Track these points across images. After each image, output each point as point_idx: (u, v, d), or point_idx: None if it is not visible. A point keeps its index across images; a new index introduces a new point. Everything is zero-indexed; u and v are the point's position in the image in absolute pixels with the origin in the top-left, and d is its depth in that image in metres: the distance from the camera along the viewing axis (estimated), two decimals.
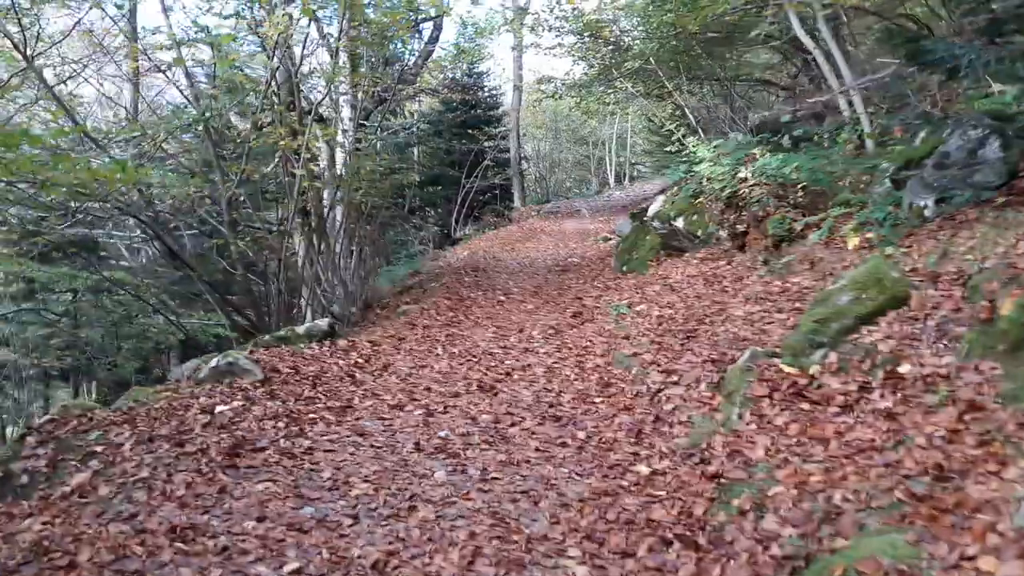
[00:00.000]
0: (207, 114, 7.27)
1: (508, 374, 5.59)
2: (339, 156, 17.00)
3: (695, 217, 8.67)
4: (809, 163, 7.35)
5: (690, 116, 13.77)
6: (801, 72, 14.43)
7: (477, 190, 22.08)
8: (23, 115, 10.26)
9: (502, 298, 8.80)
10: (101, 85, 13.70)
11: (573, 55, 16.78)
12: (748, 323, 5.40)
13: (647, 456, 3.99)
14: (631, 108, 20.32)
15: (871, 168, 7.29)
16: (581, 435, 4.39)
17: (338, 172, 16.01)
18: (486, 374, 5.62)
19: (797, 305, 5.40)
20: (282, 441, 4.27)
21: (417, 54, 20.01)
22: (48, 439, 4.43)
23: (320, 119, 16.02)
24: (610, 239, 14.64)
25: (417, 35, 19.57)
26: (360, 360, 5.86)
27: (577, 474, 3.86)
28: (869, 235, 6.08)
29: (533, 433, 4.46)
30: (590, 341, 6.40)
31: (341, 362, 5.71)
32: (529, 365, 5.81)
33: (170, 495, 3.60)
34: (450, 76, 23.53)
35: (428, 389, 5.28)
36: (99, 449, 4.20)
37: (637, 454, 4.04)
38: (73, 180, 5.25)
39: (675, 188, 9.19)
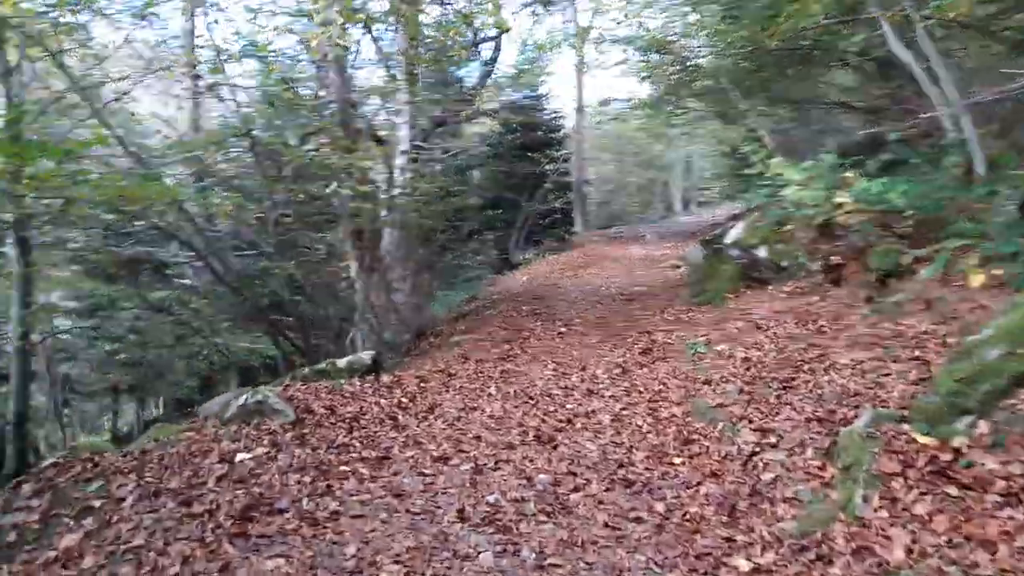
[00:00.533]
0: (250, 128, 6.82)
1: (569, 421, 4.84)
2: (396, 177, 16.65)
3: (779, 246, 7.79)
4: (916, 188, 6.44)
5: (766, 139, 12.86)
6: (888, 93, 13.40)
7: (537, 214, 21.47)
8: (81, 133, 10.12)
9: (563, 330, 8.07)
10: (164, 104, 13.65)
11: (639, 74, 16.08)
12: (857, 374, 4.53)
13: (745, 544, 3.18)
14: (700, 130, 19.43)
15: (987, 195, 6.34)
16: (659, 507, 3.61)
17: (394, 193, 15.64)
18: (544, 420, 4.89)
19: (917, 354, 4.51)
20: (305, 501, 3.62)
21: (476, 74, 19.66)
22: (46, 487, 3.89)
23: (377, 139, 15.72)
24: (679, 267, 13.77)
25: (476, 55, 19.25)
26: (404, 400, 5.20)
27: (657, 564, 3.09)
28: (997, 272, 5.16)
29: (600, 502, 3.69)
30: (663, 384, 5.60)
31: (383, 401, 5.06)
32: (594, 411, 5.05)
33: (162, 572, 2.98)
34: (510, 98, 23.10)
35: (478, 438, 4.57)
36: (97, 504, 3.63)
37: (732, 540, 3.24)
38: (98, 197, 4.79)
39: (756, 214, 8.34)
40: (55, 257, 11.00)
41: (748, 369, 5.27)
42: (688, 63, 12.97)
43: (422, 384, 5.66)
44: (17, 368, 8.49)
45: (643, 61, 14.91)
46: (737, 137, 13.14)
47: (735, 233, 8.32)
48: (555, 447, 4.35)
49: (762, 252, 7.91)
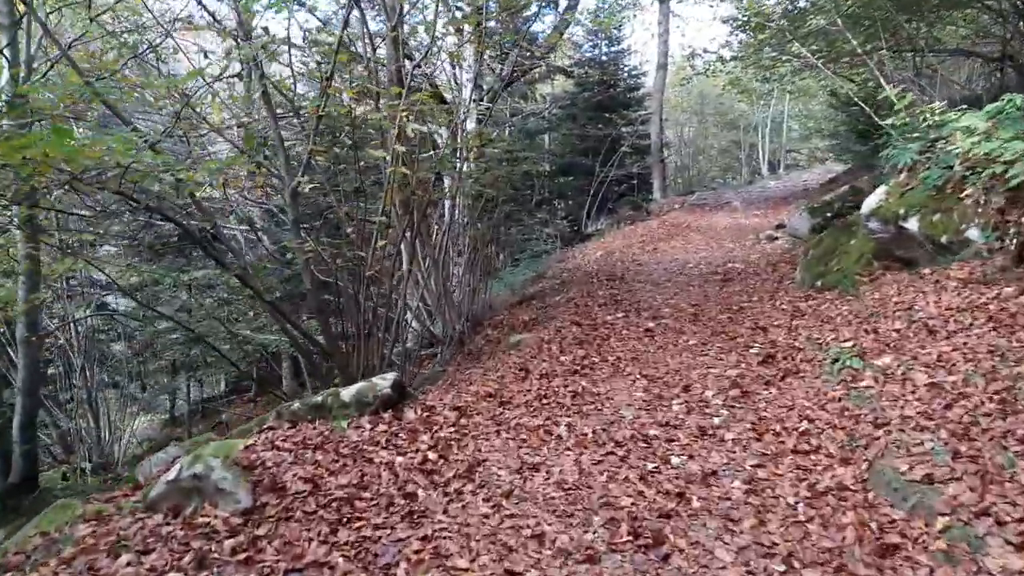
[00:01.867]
0: (251, 65, 5.24)
1: (680, 497, 3.09)
2: (459, 141, 15.01)
3: (937, 217, 5.76)
4: None
5: (887, 88, 10.52)
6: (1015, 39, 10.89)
7: (612, 180, 19.47)
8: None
9: (650, 324, 6.29)
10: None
11: (737, 19, 13.83)
12: None
13: None
14: (797, 83, 16.99)
15: None
16: None
17: (456, 159, 14.04)
18: (642, 494, 3.15)
19: None
20: None
21: (551, 26, 17.67)
22: None
23: (440, 99, 14.06)
24: (777, 238, 11.69)
25: (552, 4, 17.26)
26: (432, 455, 3.51)
27: None
28: None
29: None
30: (807, 420, 3.80)
31: (399, 460, 3.38)
32: (714, 472, 3.30)
33: None
34: (587, 55, 21.00)
35: (539, 538, 2.84)
36: None
37: None
38: (42, 155, 3.32)
39: (902, 176, 6.31)
40: (90, 236, 9.88)
41: (947, 407, 3.41)
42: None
43: (462, 420, 3.98)
44: (25, 362, 7.32)
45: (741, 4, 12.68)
46: (855, 87, 10.86)
47: (873, 201, 6.31)
48: (665, 557, 2.63)
49: (912, 224, 5.89)
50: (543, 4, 16.53)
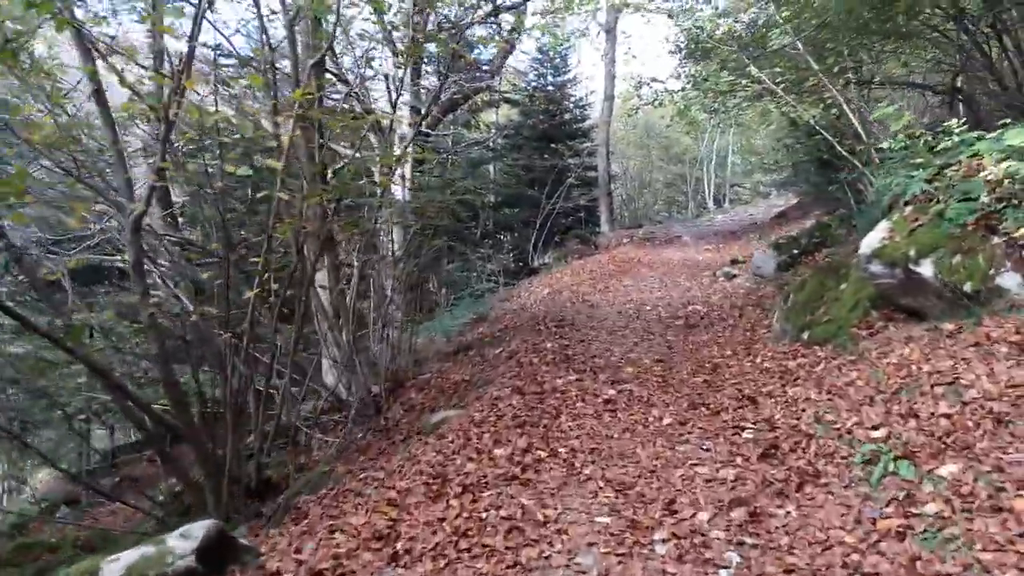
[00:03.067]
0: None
1: None
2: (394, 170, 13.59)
3: (958, 259, 4.55)
4: None
5: (851, 116, 9.54)
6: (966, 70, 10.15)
7: (559, 212, 18.27)
8: None
9: (610, 392, 4.87)
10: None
11: (683, 46, 12.84)
12: None
13: None
14: (747, 114, 16.14)
15: None
16: None
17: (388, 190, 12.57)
18: None
19: None
20: None
21: (495, 52, 16.47)
22: None
23: (375, 125, 12.66)
24: (735, 276, 10.54)
25: (495, 30, 16.08)
26: None
27: None
28: None
29: None
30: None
31: None
32: None
33: None
34: (532, 83, 19.88)
35: None
36: None
37: None
38: None
39: (906, 210, 5.13)
40: None
41: None
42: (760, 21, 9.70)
43: None
44: None
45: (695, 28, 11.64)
46: (816, 114, 9.82)
47: (874, 239, 5.09)
48: None
49: (926, 268, 4.67)
50: (487, 33, 15.36)
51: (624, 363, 5.83)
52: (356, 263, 7.03)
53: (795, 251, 8.70)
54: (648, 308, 8.65)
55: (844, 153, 9.58)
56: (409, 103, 13.16)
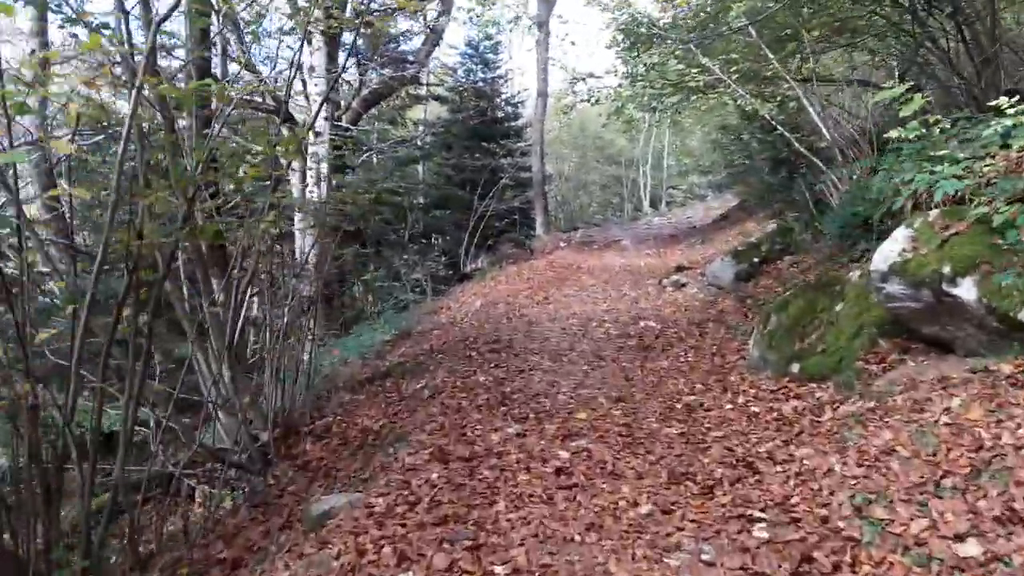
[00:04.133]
0: None
1: None
2: (308, 169, 12.06)
3: (1011, 281, 3.47)
4: None
5: (811, 111, 8.65)
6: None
7: (493, 214, 17.00)
8: None
9: (563, 455, 3.59)
10: None
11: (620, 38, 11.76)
12: None
13: None
14: (688, 111, 15.26)
15: None
16: None
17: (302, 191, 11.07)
18: None
19: None
20: None
21: (421, 42, 15.05)
22: None
23: (286, 119, 11.18)
24: (684, 284, 9.48)
25: (420, 21, 14.65)
26: None
27: None
28: None
29: None
30: None
31: None
32: None
33: None
34: (462, 79, 18.52)
35: None
36: None
37: None
38: None
39: (931, 216, 4.03)
40: None
41: None
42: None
43: None
44: None
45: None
46: (771, 108, 8.85)
47: (891, 252, 3.98)
48: None
49: (967, 290, 3.59)
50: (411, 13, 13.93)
51: (575, 404, 4.57)
52: (252, 275, 5.54)
53: (755, 259, 7.68)
54: (595, 324, 7.45)
55: (803, 151, 8.66)
56: (323, 94, 11.60)
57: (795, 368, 4.56)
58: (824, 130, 8.22)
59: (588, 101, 14.88)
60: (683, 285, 9.49)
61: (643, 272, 11.50)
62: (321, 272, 11.72)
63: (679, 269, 11.00)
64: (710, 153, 23.13)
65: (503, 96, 18.57)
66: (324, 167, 11.39)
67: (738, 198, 17.11)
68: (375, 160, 16.96)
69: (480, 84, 18.22)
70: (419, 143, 18.13)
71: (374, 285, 12.72)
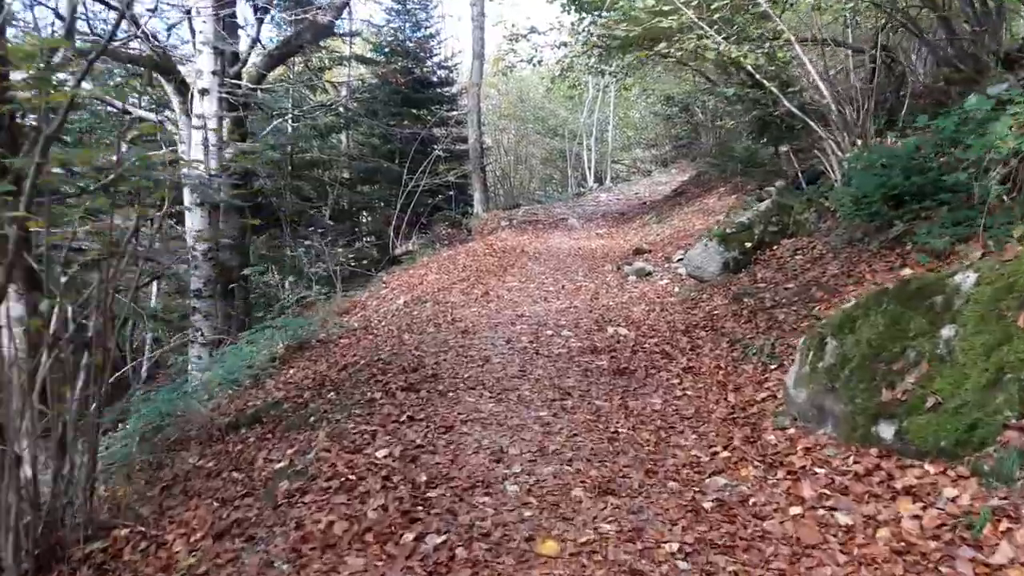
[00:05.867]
0: None
1: None
2: (194, 133, 9.81)
3: None
4: None
5: (808, 65, 6.93)
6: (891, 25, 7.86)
7: (426, 190, 14.86)
8: None
9: None
10: None
11: None
12: None
13: None
14: (635, 76, 13.44)
15: None
16: None
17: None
18: None
19: None
20: None
21: None
22: None
23: (164, 70, 9.00)
24: (649, 273, 7.69)
25: None
26: None
27: None
28: None
29: None
30: None
31: None
32: None
33: None
34: (388, 39, 16.15)
35: None
36: None
37: None
38: None
39: None
40: None
41: None
42: None
43: None
44: None
45: None
46: (755, 59, 7.02)
47: None
48: None
49: None
50: None
51: (535, 509, 2.63)
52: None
53: (747, 243, 5.90)
54: (549, 332, 5.54)
55: (795, 110, 6.89)
56: (211, 42, 9.19)
57: (886, 431, 2.76)
58: (821, 85, 6.48)
59: (530, 62, 12.84)
60: (648, 274, 7.69)
61: (597, 256, 9.66)
62: (210, 259, 9.38)
63: (638, 252, 9.22)
64: (654, 126, 21.48)
65: (435, 58, 16.34)
66: (212, 132, 9.07)
67: (692, 171, 15.49)
68: (289, 128, 14.52)
69: (409, 44, 15.93)
70: (341, 109, 15.71)
71: (285, 275, 10.42)
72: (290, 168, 14.80)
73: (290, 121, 14.87)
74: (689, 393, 3.96)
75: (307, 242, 9.65)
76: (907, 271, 4.25)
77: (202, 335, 8.62)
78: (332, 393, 4.34)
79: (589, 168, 19.76)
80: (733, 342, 4.58)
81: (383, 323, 6.57)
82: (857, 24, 8.35)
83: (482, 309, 6.55)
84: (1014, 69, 7.42)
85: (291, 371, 5.61)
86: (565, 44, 12.27)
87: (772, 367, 3.94)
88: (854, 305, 3.31)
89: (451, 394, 4.03)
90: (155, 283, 13.60)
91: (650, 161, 20.69)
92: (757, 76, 7.08)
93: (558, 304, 6.64)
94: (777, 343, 4.17)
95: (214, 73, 9.20)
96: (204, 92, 9.10)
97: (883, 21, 7.53)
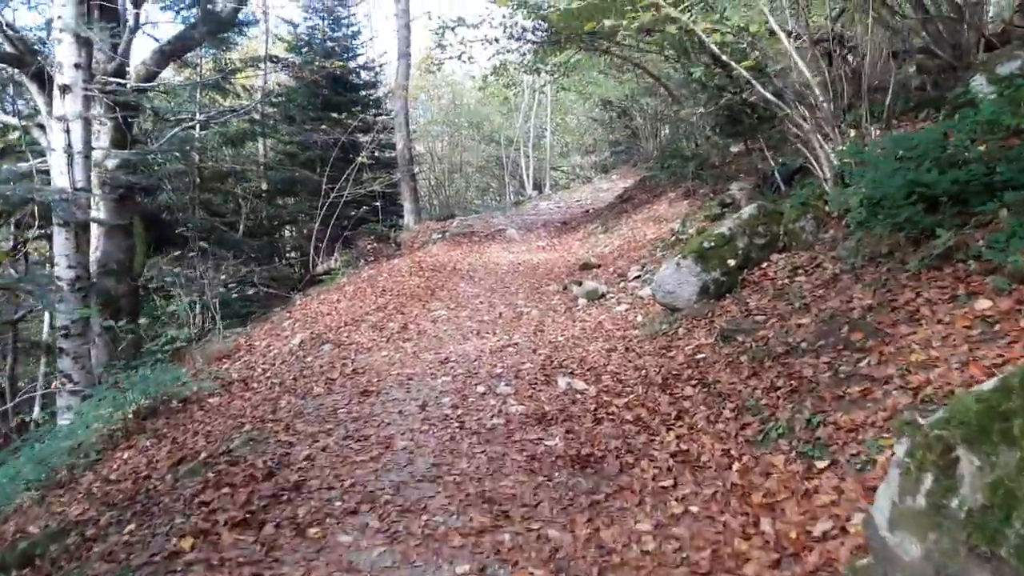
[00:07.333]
0: None
1: None
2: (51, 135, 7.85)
3: None
4: None
5: (786, 42, 5.59)
6: None
7: (351, 201, 13.06)
8: None
9: None
10: None
11: None
12: None
13: None
14: (577, 76, 12.04)
15: None
16: None
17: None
18: None
19: None
20: None
21: None
22: None
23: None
24: (601, 296, 6.20)
25: None
26: None
27: None
28: None
29: None
30: None
31: None
32: None
33: None
34: (304, 38, 14.29)
35: None
36: None
37: None
38: None
39: None
40: None
41: None
42: None
43: None
44: None
45: None
46: (730, 31, 5.63)
47: None
48: None
49: None
50: None
51: None
52: None
53: (731, 261, 4.45)
54: (481, 390, 3.95)
55: (770, 97, 5.52)
56: (71, 28, 7.19)
57: None
58: (803, 67, 5.12)
59: (459, 58, 11.25)
60: (602, 296, 6.20)
61: (539, 273, 8.15)
62: (79, 289, 7.34)
63: (586, 268, 7.76)
64: (592, 131, 20.24)
65: (359, 59, 14.56)
66: (77, 138, 7.09)
67: (635, 176, 14.21)
68: (198, 135, 12.46)
69: (328, 44, 14.10)
70: (255, 115, 13.72)
71: (186, 302, 8.42)
72: (198, 180, 12.77)
73: (197, 128, 12.77)
74: (694, 510, 2.43)
75: (175, 269, 7.64)
76: (985, 303, 2.86)
77: (71, 381, 6.68)
78: (132, 524, 2.62)
79: (527, 176, 18.29)
80: (740, 409, 3.09)
81: (266, 375, 4.84)
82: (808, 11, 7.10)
83: (395, 352, 4.90)
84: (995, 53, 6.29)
85: (125, 456, 3.84)
86: (496, 40, 10.79)
87: (821, 465, 2.45)
88: (998, 388, 1.83)
89: (314, 530, 2.38)
90: (47, 313, 11.39)
91: (590, 167, 19.40)
92: (724, 57, 5.69)
93: (493, 341, 5.05)
94: (816, 419, 2.69)
95: (76, 66, 7.18)
96: (65, 89, 7.09)
97: (838, 9, 6.29)
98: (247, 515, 2.47)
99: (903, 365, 2.78)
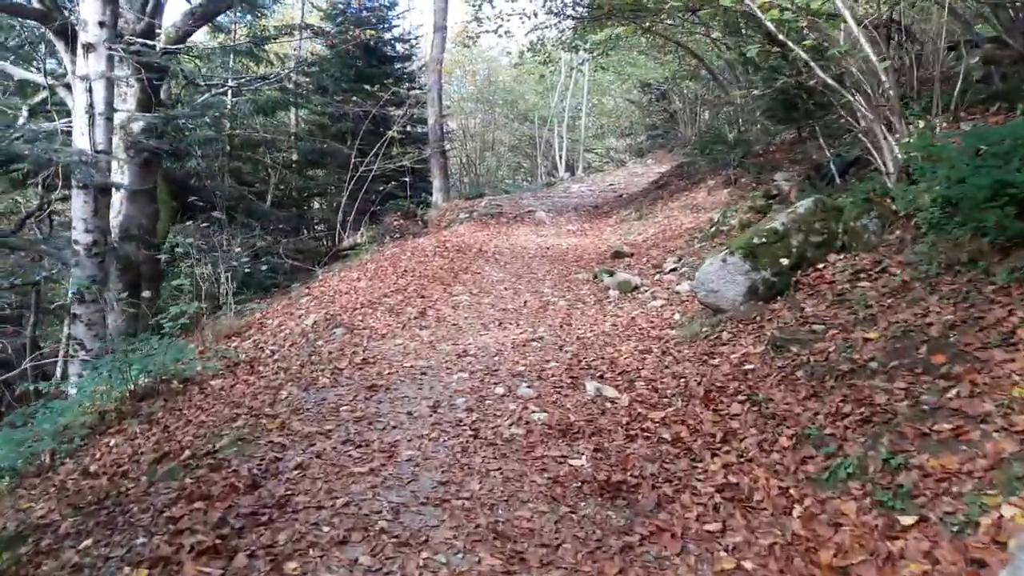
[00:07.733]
0: None
1: None
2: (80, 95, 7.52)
3: None
4: None
5: (850, 22, 4.95)
6: None
7: (380, 176, 12.69)
8: None
9: None
10: None
11: None
12: None
13: None
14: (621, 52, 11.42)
15: None
16: None
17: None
18: None
19: None
20: None
21: None
22: None
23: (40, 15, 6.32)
24: (635, 288, 5.72)
25: None
26: None
27: None
28: None
29: None
30: None
31: None
32: None
33: None
34: (339, 6, 13.85)
35: None
36: None
37: None
38: None
39: None
40: None
41: None
42: None
43: None
44: None
45: None
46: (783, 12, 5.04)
47: None
48: None
49: None
50: None
51: None
52: None
53: (784, 260, 3.95)
54: (500, 392, 3.53)
55: (830, 81, 4.93)
56: None
57: None
58: (869, 49, 4.51)
59: (496, 32, 10.72)
60: (635, 288, 5.72)
61: (569, 259, 7.67)
62: (97, 254, 7.06)
63: (618, 256, 7.26)
64: (628, 114, 19.53)
65: (393, 31, 14.07)
66: (100, 98, 6.75)
67: (671, 162, 13.56)
68: (229, 102, 12.15)
69: (364, 14, 13.62)
70: (288, 84, 13.34)
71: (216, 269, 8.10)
72: (228, 148, 12.50)
73: (229, 95, 12.46)
74: (748, 566, 1.98)
75: (188, 240, 7.30)
76: None
77: (84, 348, 6.44)
78: (90, 539, 2.26)
79: (560, 157, 17.71)
80: (799, 437, 2.61)
81: (273, 357, 4.48)
82: None
83: (410, 340, 4.50)
84: None
85: (112, 442, 3.52)
86: (535, 14, 10.23)
87: (906, 521, 1.98)
88: None
89: (293, 565, 1.99)
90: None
91: (624, 151, 18.72)
92: (780, 37, 5.09)
93: (517, 333, 4.62)
94: (896, 461, 2.21)
95: (101, 24, 6.82)
96: (89, 47, 6.74)
97: None
98: (217, 540, 2.09)
99: (1003, 401, 2.28)
